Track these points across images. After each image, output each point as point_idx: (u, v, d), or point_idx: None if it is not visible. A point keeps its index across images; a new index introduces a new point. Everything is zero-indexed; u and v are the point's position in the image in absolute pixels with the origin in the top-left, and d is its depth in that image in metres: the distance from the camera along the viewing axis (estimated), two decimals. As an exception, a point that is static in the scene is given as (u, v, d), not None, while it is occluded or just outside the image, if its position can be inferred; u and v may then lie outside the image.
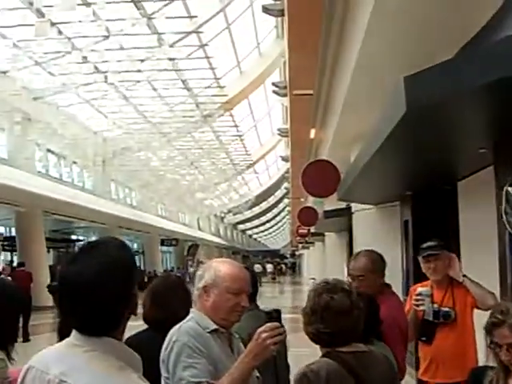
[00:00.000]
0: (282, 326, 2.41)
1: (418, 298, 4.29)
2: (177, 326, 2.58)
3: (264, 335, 2.35)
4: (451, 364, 4.23)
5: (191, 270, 42.17)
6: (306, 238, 31.07)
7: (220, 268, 2.63)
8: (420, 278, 4.80)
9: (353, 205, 12.58)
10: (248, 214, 59.03)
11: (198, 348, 2.46)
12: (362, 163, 6.78)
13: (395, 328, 3.57)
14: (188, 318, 2.63)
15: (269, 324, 2.38)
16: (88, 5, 13.66)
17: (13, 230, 25.63)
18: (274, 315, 2.48)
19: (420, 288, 4.38)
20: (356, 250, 12.68)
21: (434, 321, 4.29)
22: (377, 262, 3.96)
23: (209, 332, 2.55)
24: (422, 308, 4.27)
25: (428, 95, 4.03)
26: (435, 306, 4.30)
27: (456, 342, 4.26)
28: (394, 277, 4.08)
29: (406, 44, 6.54)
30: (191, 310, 2.73)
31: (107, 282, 1.64)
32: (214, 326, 2.56)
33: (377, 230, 10.89)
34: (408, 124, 4.40)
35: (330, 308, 2.48)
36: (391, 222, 10.31)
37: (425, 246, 4.46)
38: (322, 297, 2.51)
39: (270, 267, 60.46)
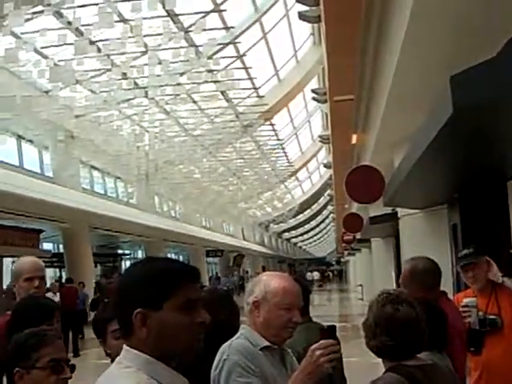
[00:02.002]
0: (338, 343, 2.30)
1: (465, 309, 4.13)
2: (227, 344, 2.50)
3: (318, 353, 2.25)
4: (502, 373, 4.05)
5: (235, 278, 42.22)
6: (352, 245, 30.77)
7: (270, 282, 2.53)
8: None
9: (399, 210, 12.36)
10: (292, 222, 58.84)
11: (249, 367, 2.37)
12: (408, 167, 6.62)
13: (455, 337, 3.42)
14: (238, 334, 2.54)
15: (323, 341, 2.28)
16: (125, 21, 13.80)
17: (60, 246, 26.03)
18: (329, 331, 2.36)
19: (466, 299, 4.22)
20: (403, 255, 12.49)
21: (481, 329, 4.13)
22: (416, 273, 3.79)
23: (260, 349, 2.45)
24: (469, 320, 4.10)
25: (475, 94, 3.89)
26: (480, 313, 4.13)
27: (506, 350, 4.08)
28: (443, 283, 3.92)
29: (447, 43, 6.37)
30: (241, 326, 2.64)
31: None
32: (266, 343, 2.47)
33: (424, 234, 10.65)
34: (455, 125, 4.26)
35: (395, 320, 2.36)
36: (439, 226, 10.06)
37: (461, 254, 4.32)
38: (386, 308, 2.40)
39: (316, 275, 60.15)
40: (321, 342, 2.26)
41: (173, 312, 1.65)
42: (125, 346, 1.69)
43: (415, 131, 6.89)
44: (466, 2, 5.44)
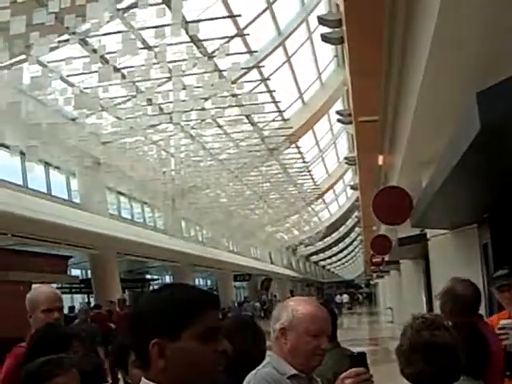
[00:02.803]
0: (368, 371, 2.20)
1: (502, 331, 3.98)
2: (253, 372, 2.40)
3: (348, 382, 2.15)
4: None
5: (256, 303, 41.96)
6: (381, 267, 30.45)
7: (297, 308, 2.44)
8: (502, 306, 4.49)
9: (427, 230, 12.18)
10: (320, 244, 58.51)
11: (276, 397, 2.29)
12: (436, 186, 6.51)
13: (493, 363, 3.29)
14: (264, 362, 2.45)
15: (353, 369, 2.17)
16: (149, 48, 13.93)
17: (88, 272, 26.13)
18: (359, 358, 2.25)
19: (503, 321, 4.07)
20: (433, 277, 12.28)
21: None
22: (455, 296, 3.71)
23: (288, 378, 2.35)
24: (506, 342, 3.95)
25: (502, 110, 3.80)
26: None
27: None
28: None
29: (473, 62, 6.29)
30: (268, 353, 2.56)
31: None
32: (293, 372, 2.37)
33: (454, 255, 10.45)
34: (483, 142, 4.16)
35: (432, 346, 2.26)
36: (469, 246, 9.86)
37: (496, 275, 4.20)
38: (422, 334, 2.30)
39: (345, 298, 59.66)
40: (351, 370, 2.16)
41: (192, 342, 1.58)
42: (143, 379, 1.61)
43: (442, 150, 6.79)
44: (491, 20, 5.35)
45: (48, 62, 13.06)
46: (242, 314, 28.10)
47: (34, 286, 4.03)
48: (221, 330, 1.66)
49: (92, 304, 23.44)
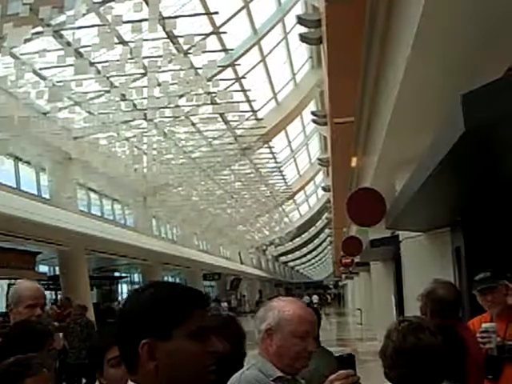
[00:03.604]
0: (355, 373, 2.15)
1: (484, 335, 3.98)
2: (237, 374, 2.34)
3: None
4: None
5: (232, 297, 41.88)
6: (350, 268, 30.62)
7: (284, 309, 2.37)
8: (475, 309, 4.51)
9: (400, 232, 12.24)
10: (289, 245, 58.67)
11: (262, 399, 2.23)
12: (414, 188, 6.51)
13: (472, 365, 3.27)
14: (249, 364, 2.39)
15: (342, 372, 2.12)
16: (125, 43, 13.78)
17: (56, 268, 25.78)
18: (347, 360, 2.20)
19: (485, 324, 4.07)
20: (405, 279, 12.34)
21: (500, 356, 3.98)
22: (435, 298, 3.71)
23: (273, 380, 2.30)
24: (488, 346, 3.95)
25: (487, 114, 3.79)
26: (498, 339, 3.99)
27: None
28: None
29: (453, 65, 6.31)
30: (252, 354, 2.49)
31: None
32: (279, 374, 2.31)
33: (427, 258, 10.49)
34: (466, 145, 4.16)
35: (417, 350, 2.22)
36: (442, 248, 9.92)
37: (478, 278, 4.20)
38: (408, 338, 2.26)
39: (315, 298, 59.98)
40: (339, 372, 2.11)
41: (184, 341, 1.50)
42: (130, 382, 1.53)
43: (420, 152, 6.80)
44: (474, 21, 5.37)
45: (21, 54, 12.85)
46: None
47: (18, 281, 3.95)
48: (214, 329, 1.59)
49: (59, 302, 23.18)
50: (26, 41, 11.05)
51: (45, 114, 17.06)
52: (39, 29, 11.57)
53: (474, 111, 3.80)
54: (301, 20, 10.37)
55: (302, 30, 11.46)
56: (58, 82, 14.37)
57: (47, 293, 27.86)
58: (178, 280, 44.36)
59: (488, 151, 4.50)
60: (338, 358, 2.20)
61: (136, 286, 37.44)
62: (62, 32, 12.88)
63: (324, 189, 29.60)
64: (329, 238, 52.11)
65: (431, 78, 6.75)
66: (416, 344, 2.23)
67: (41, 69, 14.50)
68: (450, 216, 8.55)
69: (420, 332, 2.26)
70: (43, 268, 27.14)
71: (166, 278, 37.77)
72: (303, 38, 10.79)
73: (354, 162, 15.10)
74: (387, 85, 8.71)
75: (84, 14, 10.96)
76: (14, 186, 19.85)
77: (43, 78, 14.69)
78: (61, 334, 11.96)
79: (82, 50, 12.81)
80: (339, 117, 12.07)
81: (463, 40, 5.75)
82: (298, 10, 17.80)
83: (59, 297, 24.81)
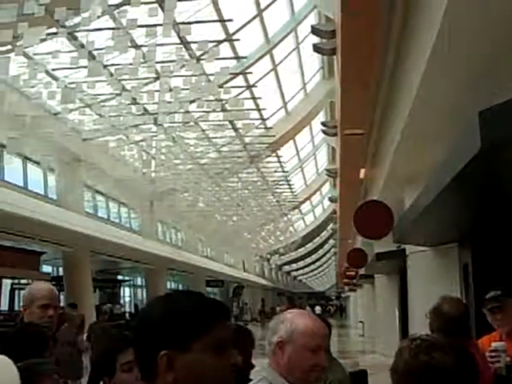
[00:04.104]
0: None
1: (493, 354, 3.92)
2: (247, 388, 2.31)
3: None
4: None
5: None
6: (354, 280, 30.51)
7: (297, 321, 2.32)
8: (483, 327, 4.46)
9: (406, 246, 12.19)
10: (293, 255, 58.53)
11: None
12: (424, 204, 6.47)
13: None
14: (260, 377, 2.35)
15: None
16: (138, 47, 13.80)
17: (60, 269, 25.78)
18: (361, 376, 2.17)
19: (495, 343, 4.01)
20: (410, 293, 12.28)
21: (509, 376, 3.92)
22: (443, 315, 3.66)
23: None
24: (498, 365, 3.89)
25: (504, 131, 3.76)
26: (508, 359, 3.93)
27: None
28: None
29: (469, 80, 6.28)
30: (263, 367, 2.45)
31: None
32: None
33: (433, 273, 10.46)
34: (481, 163, 4.12)
35: (431, 369, 2.17)
36: (449, 264, 9.89)
37: (488, 296, 4.14)
38: (420, 356, 2.20)
39: (318, 309, 59.93)
40: None
41: (203, 353, 1.47)
42: None
43: (430, 167, 6.77)
44: (492, 36, 5.34)
45: (34, 54, 12.89)
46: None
47: (34, 282, 4.03)
48: (232, 342, 1.56)
49: (62, 302, 23.15)
50: (41, 41, 11.08)
51: (55, 114, 17.11)
52: (54, 30, 11.59)
53: (491, 129, 3.77)
54: (315, 30, 10.35)
55: (316, 40, 11.44)
56: (70, 83, 14.40)
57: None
58: (180, 286, 44.31)
59: (502, 168, 4.46)
60: (351, 374, 2.16)
61: (139, 290, 37.59)
62: (76, 34, 12.90)
63: (331, 199, 29.52)
64: (333, 249, 52.00)
65: (446, 92, 6.72)
66: (428, 362, 2.18)
67: (54, 69, 14.53)
68: (459, 232, 8.51)
69: (433, 351, 2.21)
70: (47, 268, 27.15)
71: (168, 284, 37.76)
72: (317, 49, 10.77)
73: (362, 173, 15.07)
74: (400, 98, 8.69)
75: (99, 17, 10.98)
76: (22, 185, 19.89)
77: (55, 79, 14.73)
78: (84, 336, 11.91)
79: (95, 53, 12.83)
80: (349, 128, 12.03)
81: (481, 55, 5.72)
82: (312, 20, 17.80)
83: (62, 297, 24.77)
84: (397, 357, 2.31)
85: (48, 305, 3.49)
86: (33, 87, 13.98)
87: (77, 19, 11.17)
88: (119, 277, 36.45)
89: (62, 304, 22.15)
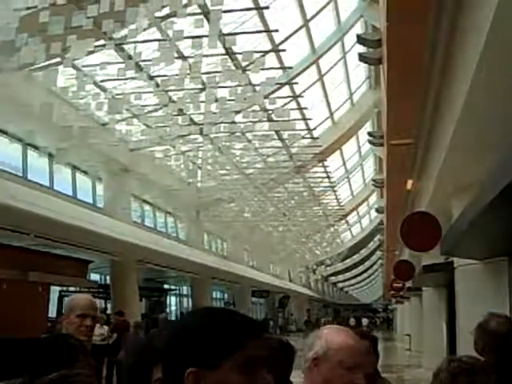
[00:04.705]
0: None
1: None
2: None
3: None
4: None
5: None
6: (401, 293, 30.05)
7: (333, 337, 2.21)
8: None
9: (455, 259, 11.92)
10: (339, 266, 58.12)
11: None
12: (472, 216, 6.30)
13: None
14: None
15: None
16: (184, 58, 13.92)
17: (107, 277, 26.10)
18: None
19: None
20: (458, 307, 12.00)
21: None
22: (490, 333, 3.50)
23: None
24: None
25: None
26: None
27: None
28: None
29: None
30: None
31: None
32: None
33: (482, 286, 10.20)
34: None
35: None
36: (499, 278, 9.62)
37: None
38: (460, 379, 2.11)
39: (365, 321, 59.33)
40: None
41: (232, 372, 1.41)
42: None
43: (479, 178, 6.60)
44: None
45: (83, 66, 13.12)
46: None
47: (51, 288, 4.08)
48: (264, 361, 1.50)
49: (108, 310, 23.42)
50: (89, 53, 11.27)
51: (103, 125, 17.38)
52: (102, 42, 11.78)
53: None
54: (361, 39, 10.27)
55: (362, 49, 11.36)
56: (117, 94, 14.61)
57: (97, 301, 28.19)
58: (226, 296, 44.40)
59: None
60: None
61: (185, 299, 37.77)
62: (124, 45, 13.09)
63: (377, 210, 29.21)
64: (380, 261, 51.41)
65: (495, 103, 6.55)
66: None
67: (102, 81, 14.76)
68: (509, 246, 8.27)
69: (473, 373, 2.11)
70: (95, 276, 27.51)
71: (214, 293, 37.88)
72: (363, 58, 10.68)
73: (409, 184, 14.85)
74: (448, 108, 8.52)
75: (145, 29, 11.11)
76: (71, 194, 20.24)
77: (104, 90, 14.96)
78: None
79: (142, 64, 12.99)
80: (396, 138, 11.87)
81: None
82: (358, 29, 17.70)
83: (109, 305, 25.07)
84: (434, 378, 2.22)
85: (86, 315, 3.52)
86: (82, 98, 14.21)
87: (124, 31, 11.30)
88: (165, 286, 36.71)
89: (108, 312, 22.54)
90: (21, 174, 17.32)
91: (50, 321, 19.63)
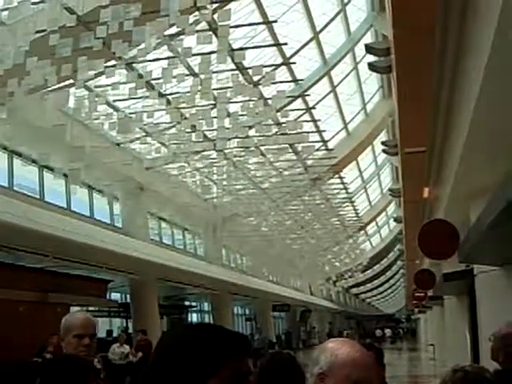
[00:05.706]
0: None
1: None
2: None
3: None
4: None
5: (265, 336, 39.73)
6: (423, 302, 29.76)
7: (338, 351, 2.13)
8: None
9: (475, 266, 11.77)
10: (360, 277, 57.72)
11: None
12: (489, 220, 6.21)
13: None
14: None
15: None
16: (195, 75, 13.95)
17: (127, 296, 26.15)
18: None
19: None
20: (480, 315, 11.83)
21: None
22: (500, 348, 3.43)
23: None
24: None
25: None
26: None
27: None
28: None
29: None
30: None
31: None
32: None
33: (503, 293, 10.05)
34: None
35: None
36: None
37: None
38: None
39: (388, 332, 58.92)
40: None
41: None
42: None
43: (495, 182, 6.52)
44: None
45: (95, 87, 13.21)
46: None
47: (71, 308, 4.00)
48: (251, 377, 1.47)
49: (130, 329, 23.45)
50: (99, 74, 11.34)
51: (118, 144, 17.46)
52: (112, 62, 11.86)
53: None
54: (369, 48, 10.24)
55: (372, 58, 11.32)
56: (130, 113, 14.69)
57: (118, 320, 28.25)
58: (247, 311, 44.23)
59: None
60: None
61: (206, 315, 37.69)
62: (134, 65, 13.16)
63: (396, 220, 29.03)
64: (401, 271, 51.03)
65: (506, 106, 6.48)
66: None
67: (114, 101, 14.85)
68: (528, 250, 8.15)
69: (479, 383, 2.05)
70: (115, 295, 27.56)
71: (235, 309, 37.73)
72: (372, 67, 10.65)
73: (426, 192, 14.74)
74: (460, 113, 8.46)
75: (155, 48, 11.17)
76: (88, 214, 20.34)
77: (117, 110, 15.05)
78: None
79: (153, 82, 13.04)
80: (410, 146, 11.78)
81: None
82: (368, 39, 17.68)
83: (129, 324, 25.11)
84: None
85: (82, 335, 3.44)
86: (96, 119, 14.30)
87: (134, 51, 11.36)
88: (186, 303, 36.69)
89: (129, 331, 22.55)
90: (38, 196, 17.46)
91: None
